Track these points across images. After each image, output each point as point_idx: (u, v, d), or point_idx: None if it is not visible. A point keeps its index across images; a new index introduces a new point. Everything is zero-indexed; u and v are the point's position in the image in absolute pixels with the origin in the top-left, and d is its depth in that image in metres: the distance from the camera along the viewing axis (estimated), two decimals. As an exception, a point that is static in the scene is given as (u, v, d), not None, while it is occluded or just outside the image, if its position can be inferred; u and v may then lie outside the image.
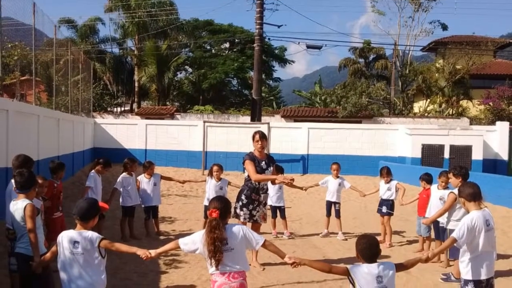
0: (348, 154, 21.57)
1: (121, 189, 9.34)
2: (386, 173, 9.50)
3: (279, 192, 9.99)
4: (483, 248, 4.71)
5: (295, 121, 27.29)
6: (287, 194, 12.69)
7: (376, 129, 22.84)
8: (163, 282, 6.76)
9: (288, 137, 22.32)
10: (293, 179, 6.72)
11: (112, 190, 9.45)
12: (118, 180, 9.38)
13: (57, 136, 15.26)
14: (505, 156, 21.84)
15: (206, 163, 20.94)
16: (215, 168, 9.59)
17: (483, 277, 4.71)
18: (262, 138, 7.29)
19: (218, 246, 4.02)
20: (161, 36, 37.92)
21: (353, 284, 3.85)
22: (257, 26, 24.39)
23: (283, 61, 48.05)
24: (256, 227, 7.24)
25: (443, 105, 31.87)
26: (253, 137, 7.35)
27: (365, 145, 21.93)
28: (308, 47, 28.53)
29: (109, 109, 34.56)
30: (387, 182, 9.47)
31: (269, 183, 7.78)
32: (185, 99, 45.11)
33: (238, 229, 4.25)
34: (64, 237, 4.18)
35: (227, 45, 46.35)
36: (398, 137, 21.89)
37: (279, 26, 26.09)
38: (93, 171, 8.73)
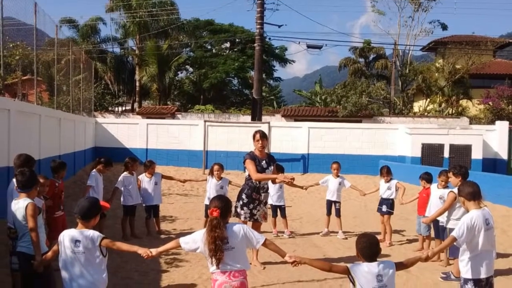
0: (348, 153, 21.61)
1: (122, 188, 9.35)
2: (386, 172, 9.52)
3: (280, 191, 10.00)
4: (483, 247, 4.72)
5: (296, 120, 27.31)
6: (287, 193, 12.71)
7: (376, 128, 22.86)
8: (164, 280, 6.77)
9: (289, 136, 22.35)
10: (293, 178, 6.74)
11: (113, 189, 9.46)
12: (119, 179, 9.39)
13: (58, 135, 15.30)
14: (504, 156, 21.88)
15: (207, 163, 20.97)
16: (215, 167, 9.61)
17: (483, 275, 4.72)
18: (263, 137, 7.30)
19: (218, 245, 4.03)
20: (162, 36, 37.93)
21: (353, 283, 3.86)
22: (258, 26, 24.42)
23: (284, 61, 48.09)
24: (256, 226, 7.26)
25: (443, 105, 31.89)
26: (254, 136, 7.37)
27: (365, 145, 21.96)
28: (309, 46, 28.54)
29: (110, 108, 34.58)
30: (387, 181, 9.49)
31: (269, 182, 7.79)
32: (186, 98, 45.16)
33: (239, 228, 4.26)
34: (66, 236, 4.18)
35: (227, 44, 46.38)
36: (398, 137, 21.91)
37: (279, 26, 26.14)
38: (94, 170, 8.74)
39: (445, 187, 7.93)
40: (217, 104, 40.75)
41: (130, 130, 23.17)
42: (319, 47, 28.68)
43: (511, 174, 19.92)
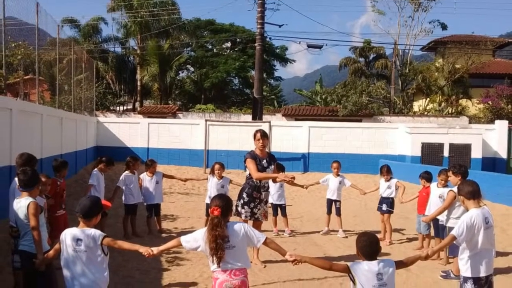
0: (348, 152, 21.65)
1: (123, 187, 9.36)
2: (386, 171, 9.54)
3: (280, 190, 10.02)
4: (482, 246, 4.74)
5: (296, 119, 27.32)
6: (288, 192, 12.72)
7: (376, 127, 22.89)
8: (165, 279, 6.79)
9: (289, 135, 22.38)
10: (294, 177, 6.74)
11: (114, 188, 9.47)
12: (120, 178, 9.40)
13: (60, 134, 15.33)
14: (504, 155, 21.91)
15: (208, 162, 20.98)
16: (216, 166, 9.63)
17: (482, 274, 4.74)
18: (263, 136, 7.33)
19: (219, 243, 4.05)
20: (163, 36, 37.95)
21: (354, 281, 3.87)
22: (258, 26, 24.43)
23: (284, 60, 48.14)
24: (257, 225, 7.29)
25: (443, 104, 31.92)
26: (255, 135, 7.39)
27: (365, 144, 21.99)
28: (309, 46, 28.55)
29: (111, 108, 34.58)
30: (387, 180, 9.50)
31: (270, 181, 7.80)
32: (187, 98, 45.20)
33: (240, 227, 4.28)
34: (67, 235, 4.19)
35: (228, 44, 46.44)
36: (398, 136, 21.93)
37: (280, 26, 26.20)
38: (96, 169, 8.76)
39: (445, 186, 7.95)
40: (218, 104, 40.78)
41: (131, 129, 23.21)
42: (320, 47, 28.69)
43: (511, 173, 19.90)
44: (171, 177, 10.77)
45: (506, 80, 31.50)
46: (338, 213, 9.97)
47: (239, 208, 7.31)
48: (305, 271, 6.90)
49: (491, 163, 21.22)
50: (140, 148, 22.64)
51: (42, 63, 16.32)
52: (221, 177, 9.58)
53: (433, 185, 8.33)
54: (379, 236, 7.59)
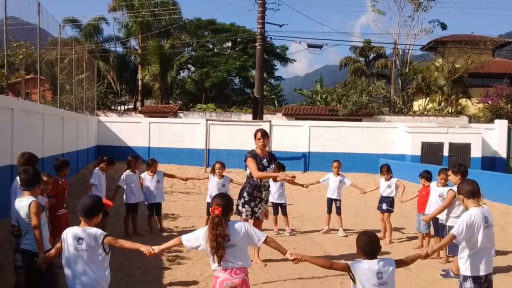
0: (348, 151, 21.69)
1: (124, 186, 9.39)
2: (386, 171, 9.55)
3: (281, 189, 10.04)
4: (482, 245, 4.76)
5: (297, 119, 27.33)
6: (288, 191, 12.75)
7: (376, 127, 22.92)
8: (166, 278, 6.81)
9: (290, 135, 22.42)
10: (294, 177, 6.75)
11: (116, 187, 9.51)
12: (121, 177, 9.44)
13: (61, 134, 15.37)
14: (503, 154, 21.94)
15: (209, 161, 21.01)
16: (217, 165, 9.64)
17: (482, 273, 4.76)
18: (264, 136, 7.35)
19: (220, 242, 4.06)
20: (164, 35, 37.98)
21: (354, 280, 3.89)
22: (259, 26, 24.46)
23: (285, 60, 48.16)
24: (257, 224, 7.30)
25: (443, 104, 31.96)
26: (255, 135, 7.41)
27: (366, 143, 22.02)
28: (309, 46, 28.54)
29: (112, 107, 34.60)
30: (387, 180, 9.52)
31: (270, 181, 7.82)
32: (188, 97, 45.23)
33: (240, 225, 4.29)
34: (69, 234, 4.21)
35: (229, 44, 46.48)
36: (398, 135, 21.96)
37: (280, 26, 26.22)
38: (97, 168, 8.79)
39: (445, 185, 7.97)
40: (219, 103, 40.80)
41: (132, 129, 23.26)
42: (320, 47, 28.68)
43: (510, 172, 19.92)
44: (172, 176, 10.79)
45: (506, 80, 31.51)
46: (338, 212, 9.99)
47: (240, 207, 7.33)
48: (306, 270, 6.93)
49: (490, 162, 21.26)
50: (141, 147, 22.68)
51: (43, 62, 16.36)
52: (221, 176, 9.59)
53: (433, 184, 8.34)
54: (379, 235, 7.62)
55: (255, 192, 7.28)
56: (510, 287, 6.58)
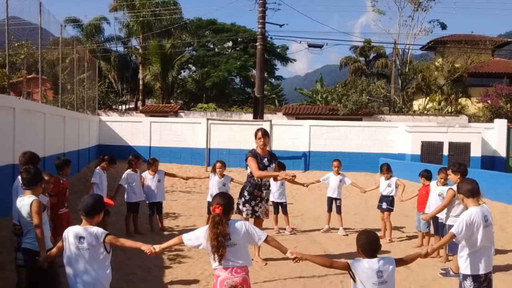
0: (349, 151, 21.72)
1: (125, 186, 9.42)
2: (386, 170, 9.56)
3: (281, 189, 10.06)
4: (482, 244, 4.77)
5: (297, 118, 27.36)
6: (289, 190, 12.75)
7: (376, 126, 22.95)
8: (167, 276, 6.83)
9: (290, 134, 22.44)
10: (294, 176, 6.77)
11: (117, 186, 9.54)
12: (123, 176, 9.45)
13: (63, 133, 15.40)
14: (503, 153, 21.98)
15: (210, 160, 21.04)
16: (218, 164, 9.65)
17: (482, 271, 4.77)
18: (264, 135, 7.36)
19: (221, 241, 4.07)
20: (165, 35, 38.07)
21: (354, 279, 3.90)
22: (260, 25, 24.49)
23: (285, 60, 48.22)
24: (258, 223, 7.31)
25: (442, 103, 32.01)
26: (256, 134, 7.42)
27: (366, 142, 22.06)
28: (310, 46, 28.55)
29: (114, 106, 34.68)
30: (387, 179, 9.53)
31: (271, 180, 7.83)
32: (188, 97, 45.27)
33: (241, 224, 4.29)
34: (70, 233, 4.22)
35: (230, 44, 46.54)
36: (398, 135, 21.99)
37: (281, 25, 26.29)
38: (98, 167, 8.80)
39: (445, 184, 7.98)
40: (220, 103, 40.86)
41: (133, 128, 23.31)
42: (320, 46, 28.69)
43: (510, 171, 19.95)
44: (173, 175, 10.79)
45: (505, 79, 31.56)
46: (339, 211, 10.01)
47: (241, 206, 7.34)
48: (306, 269, 6.95)
49: (490, 162, 21.30)
50: (142, 146, 22.72)
51: (45, 62, 16.36)
52: (222, 176, 9.61)
53: (433, 184, 8.35)
54: (379, 234, 7.65)
55: (256, 191, 7.29)
56: (510, 286, 6.60)
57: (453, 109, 31.18)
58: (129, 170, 9.49)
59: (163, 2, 37.41)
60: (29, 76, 18.89)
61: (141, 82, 38.06)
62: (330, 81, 58.19)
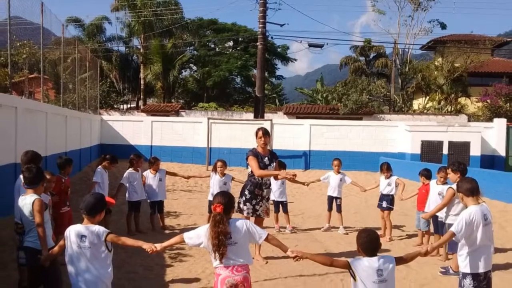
0: (349, 150, 21.76)
1: (127, 185, 9.44)
2: (386, 169, 9.59)
3: (282, 187, 10.08)
4: (481, 242, 4.78)
5: (297, 118, 27.39)
6: (289, 189, 12.77)
7: (376, 125, 22.99)
8: (169, 275, 6.85)
9: (291, 133, 22.48)
10: (295, 175, 6.81)
11: (118, 185, 9.57)
12: (124, 175, 9.48)
13: (64, 132, 15.43)
14: (502, 152, 22.01)
15: (210, 159, 21.09)
16: (219, 163, 9.69)
17: (481, 270, 4.79)
18: (265, 134, 7.37)
19: (222, 240, 4.08)
20: (166, 35, 38.11)
21: (354, 277, 3.91)
22: (260, 25, 24.53)
23: (286, 59, 48.22)
24: (259, 222, 7.32)
25: (442, 102, 32.07)
26: (256, 133, 7.44)
27: (366, 142, 22.09)
28: (310, 45, 28.59)
29: (115, 106, 34.75)
30: (387, 178, 9.55)
31: (272, 179, 7.85)
32: (189, 96, 45.27)
33: (242, 223, 4.30)
34: (72, 231, 4.23)
35: (231, 43, 46.55)
36: (398, 134, 22.02)
37: (281, 25, 26.38)
38: (100, 166, 8.84)
39: (444, 183, 8.00)
40: (220, 102, 40.85)
41: (135, 127, 23.36)
42: (321, 46, 28.73)
43: (509, 170, 19.97)
44: (174, 174, 10.82)
45: (505, 79, 31.64)
46: (339, 210, 10.04)
47: (241, 205, 7.35)
48: (307, 267, 6.98)
49: (489, 161, 21.33)
50: (144, 145, 22.76)
51: (46, 62, 16.40)
52: (223, 175, 9.64)
53: (433, 182, 8.36)
54: (379, 232, 7.68)
55: (257, 190, 7.30)
56: (509, 284, 6.61)
57: (452, 109, 31.23)
58: (130, 169, 9.52)
59: (164, 2, 37.46)
60: (31, 76, 18.91)
61: (142, 82, 38.10)
62: (330, 81, 58.16)
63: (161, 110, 29.74)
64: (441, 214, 7.53)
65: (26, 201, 4.94)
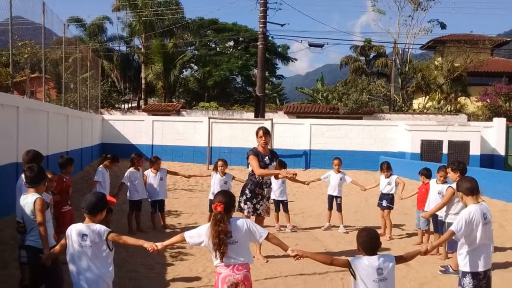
0: (349, 149, 21.78)
1: (128, 184, 9.44)
2: (386, 168, 9.60)
3: (282, 187, 10.10)
4: (481, 241, 4.79)
5: (298, 117, 27.43)
6: (290, 188, 12.76)
7: (376, 125, 23.01)
8: (169, 274, 6.86)
9: (291, 133, 22.50)
10: (295, 174, 6.81)
11: (119, 184, 9.57)
12: (125, 174, 9.48)
13: (66, 132, 15.46)
14: (502, 152, 22.04)
15: (211, 158, 21.12)
16: (219, 163, 9.70)
17: (481, 269, 4.80)
18: (266, 134, 7.38)
19: (222, 239, 4.08)
20: (167, 35, 38.11)
21: (354, 276, 3.92)
22: (261, 25, 24.55)
23: (286, 59, 48.18)
24: (259, 221, 7.31)
25: (442, 102, 32.09)
26: (257, 133, 7.45)
27: (366, 141, 22.11)
28: (310, 45, 28.60)
29: (116, 105, 34.81)
30: (387, 177, 9.56)
31: (272, 178, 7.86)
32: (190, 96, 45.29)
33: (242, 222, 4.31)
34: (73, 230, 4.24)
35: (231, 43, 46.53)
36: (398, 133, 22.04)
37: (282, 25, 26.39)
38: (101, 166, 8.86)
39: (444, 182, 8.01)
40: (221, 101, 40.86)
41: (136, 127, 23.40)
42: (321, 46, 28.74)
43: (508, 169, 20.01)
44: (175, 173, 10.84)
45: (504, 78, 31.62)
46: (339, 209, 10.05)
47: (242, 204, 7.36)
48: (307, 266, 7.00)
49: (489, 160, 21.37)
50: (145, 145, 22.79)
51: (48, 61, 16.46)
52: (224, 174, 9.65)
53: (433, 182, 8.37)
54: (379, 231, 7.69)
55: (257, 189, 7.31)
56: (509, 283, 6.63)
57: (452, 108, 31.26)
58: (131, 168, 9.53)
59: (165, 2, 37.48)
60: (33, 75, 18.96)
61: (143, 81, 38.11)
62: (330, 80, 58.19)
63: (162, 110, 29.78)
64: (441, 213, 7.55)
65: (28, 200, 4.96)
